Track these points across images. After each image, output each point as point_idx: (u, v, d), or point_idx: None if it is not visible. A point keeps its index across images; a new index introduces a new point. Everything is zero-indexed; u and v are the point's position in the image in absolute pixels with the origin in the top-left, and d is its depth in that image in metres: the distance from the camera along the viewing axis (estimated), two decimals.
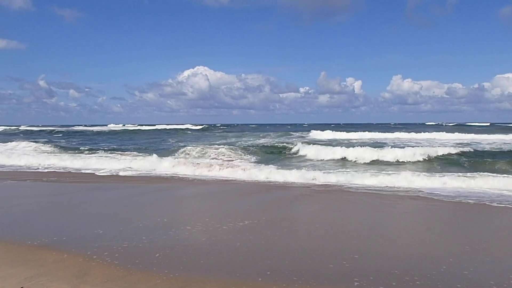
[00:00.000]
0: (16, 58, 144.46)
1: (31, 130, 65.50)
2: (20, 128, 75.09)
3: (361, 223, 7.81)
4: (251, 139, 33.61)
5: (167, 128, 67.49)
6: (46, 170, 16.74)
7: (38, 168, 17.41)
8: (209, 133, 51.22)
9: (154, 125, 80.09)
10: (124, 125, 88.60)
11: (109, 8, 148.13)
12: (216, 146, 22.54)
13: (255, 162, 18.37)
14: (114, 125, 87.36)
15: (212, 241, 6.45)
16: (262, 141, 29.57)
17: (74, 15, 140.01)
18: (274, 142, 26.61)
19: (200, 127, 71.12)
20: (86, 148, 24.58)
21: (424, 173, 13.85)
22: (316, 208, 9.32)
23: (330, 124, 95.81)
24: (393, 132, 41.22)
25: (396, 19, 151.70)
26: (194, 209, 9.54)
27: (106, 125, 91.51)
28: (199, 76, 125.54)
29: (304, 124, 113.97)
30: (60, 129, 67.39)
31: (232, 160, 18.64)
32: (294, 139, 30.71)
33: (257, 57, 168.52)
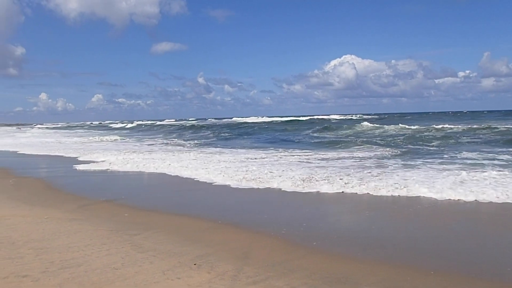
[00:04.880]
0: (179, 58, 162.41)
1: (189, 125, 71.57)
2: (159, 122, 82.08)
3: None
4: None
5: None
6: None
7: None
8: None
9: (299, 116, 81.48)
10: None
11: (256, 4, 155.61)
12: None
13: None
14: (237, 118, 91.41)
15: (369, 233, 6.31)
16: None
17: (225, 14, 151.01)
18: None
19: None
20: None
21: None
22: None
23: (502, 110, 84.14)
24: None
25: None
26: None
27: (231, 118, 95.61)
28: (346, 65, 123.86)
29: (464, 111, 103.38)
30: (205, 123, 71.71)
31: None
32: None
33: (407, 41, 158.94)
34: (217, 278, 4.53)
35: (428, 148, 18.78)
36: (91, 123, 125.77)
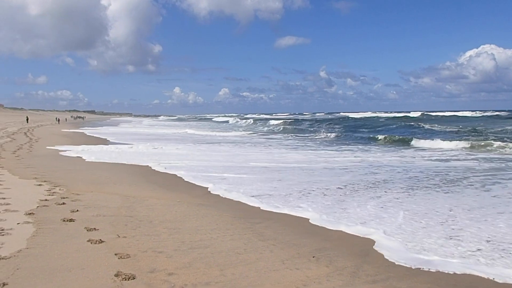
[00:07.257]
0: (301, 52, 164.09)
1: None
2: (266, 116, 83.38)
3: None
4: None
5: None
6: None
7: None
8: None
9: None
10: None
11: None
12: None
13: None
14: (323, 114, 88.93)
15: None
16: None
17: (348, 6, 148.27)
18: None
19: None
20: None
21: None
22: None
23: None
24: None
25: None
26: None
27: (338, 113, 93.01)
28: (483, 56, 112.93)
29: None
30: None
31: None
32: None
33: None
34: (335, 272, 4.51)
35: None
36: (219, 115, 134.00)
